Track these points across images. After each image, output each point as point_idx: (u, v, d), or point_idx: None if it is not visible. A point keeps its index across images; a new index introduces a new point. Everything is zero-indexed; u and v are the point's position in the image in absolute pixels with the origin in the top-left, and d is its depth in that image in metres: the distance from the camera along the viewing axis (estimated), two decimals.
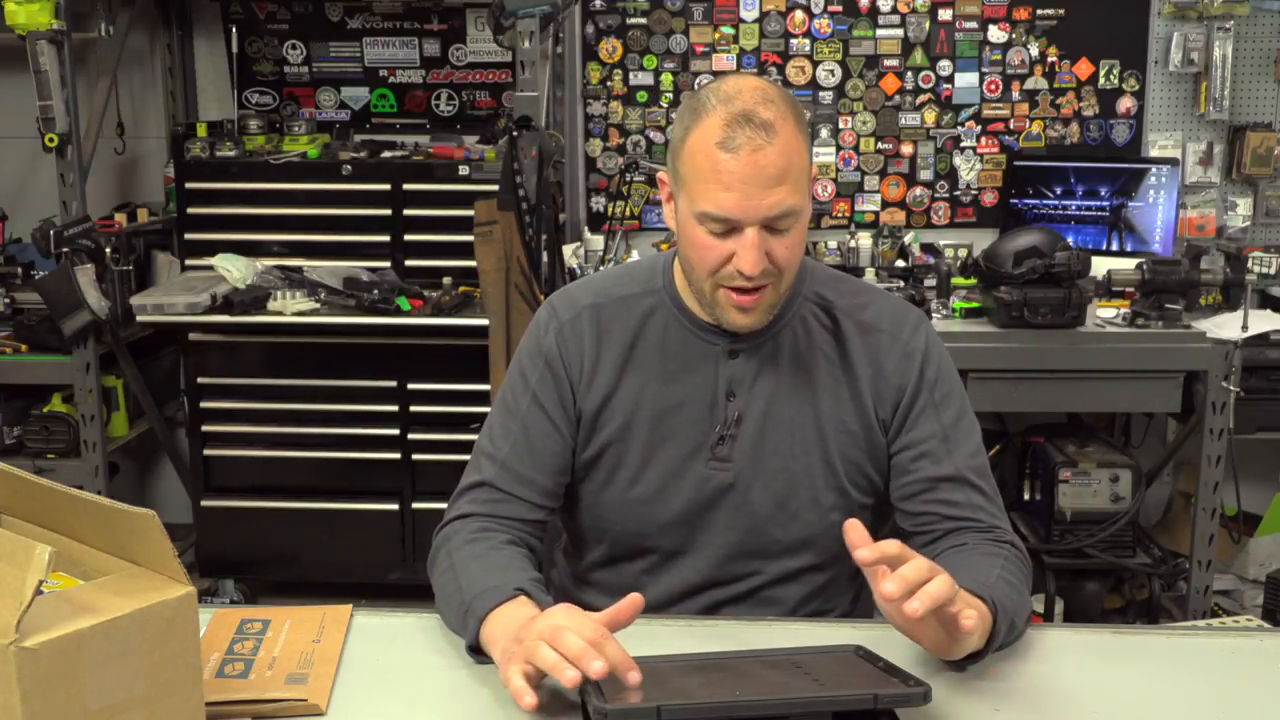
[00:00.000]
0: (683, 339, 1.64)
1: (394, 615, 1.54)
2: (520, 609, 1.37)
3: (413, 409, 3.54)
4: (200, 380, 3.59)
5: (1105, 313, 3.24)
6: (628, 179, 3.83)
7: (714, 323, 1.62)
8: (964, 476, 1.59)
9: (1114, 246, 3.68)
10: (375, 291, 3.41)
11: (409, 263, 3.62)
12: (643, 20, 3.85)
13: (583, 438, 1.65)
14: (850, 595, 1.71)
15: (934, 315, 3.25)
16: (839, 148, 3.90)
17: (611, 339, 1.65)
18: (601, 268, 3.61)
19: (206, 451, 3.62)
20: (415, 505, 3.56)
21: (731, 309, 1.55)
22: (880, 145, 3.89)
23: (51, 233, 3.27)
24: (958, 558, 1.50)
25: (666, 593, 1.66)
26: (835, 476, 1.62)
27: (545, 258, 3.04)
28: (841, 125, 3.88)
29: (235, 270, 3.47)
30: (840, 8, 3.81)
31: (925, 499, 1.60)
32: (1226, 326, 3.18)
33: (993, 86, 3.84)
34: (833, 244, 3.82)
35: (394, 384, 3.53)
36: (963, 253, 3.70)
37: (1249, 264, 3.51)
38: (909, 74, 3.85)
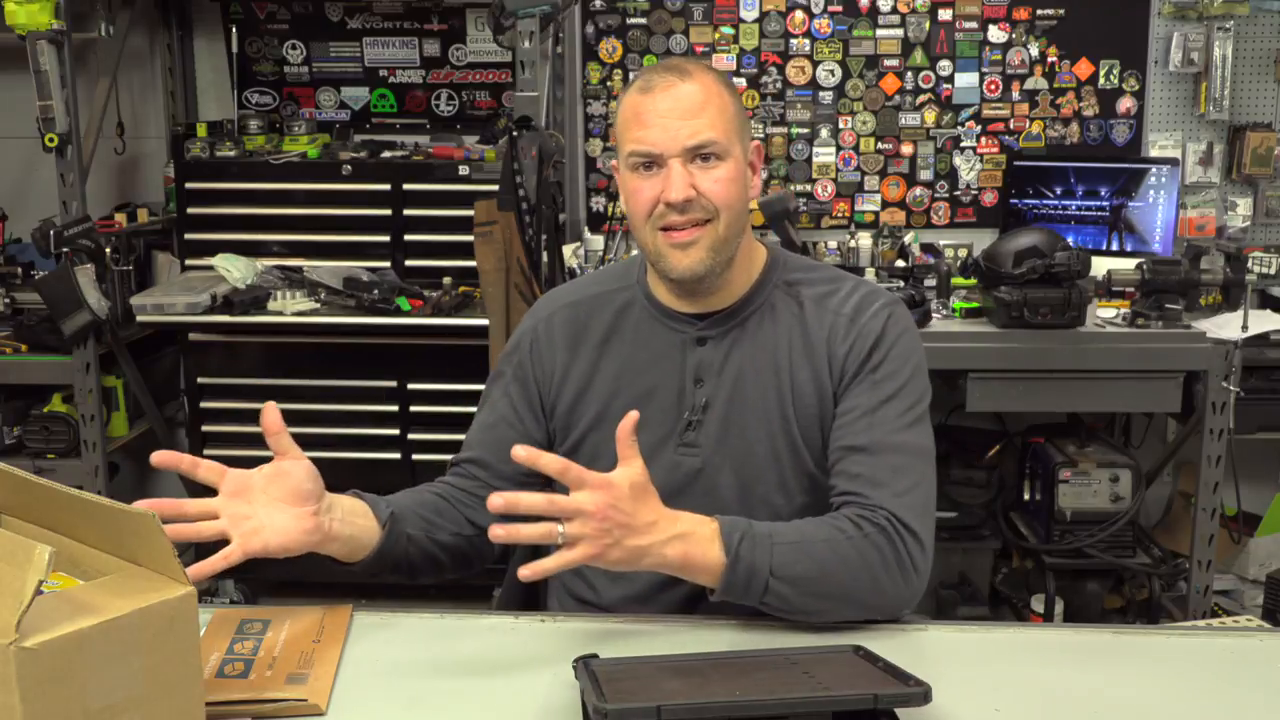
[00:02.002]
0: (653, 329, 1.69)
1: (394, 615, 1.55)
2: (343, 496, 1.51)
3: (413, 409, 3.54)
4: (200, 380, 3.59)
5: (1105, 313, 3.24)
6: None
7: (681, 310, 1.67)
8: (872, 447, 1.56)
9: (1114, 246, 3.68)
10: (375, 291, 3.41)
11: (409, 263, 3.62)
12: (643, 20, 3.85)
13: (561, 432, 1.72)
14: None
15: (934, 315, 3.25)
16: (839, 148, 3.90)
17: (588, 334, 1.71)
18: (600, 267, 3.61)
19: (206, 451, 3.61)
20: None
21: (671, 251, 1.60)
22: (880, 145, 3.89)
23: (51, 233, 3.27)
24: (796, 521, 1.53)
25: (650, 582, 1.67)
26: (801, 461, 1.64)
27: (545, 258, 3.04)
28: (841, 125, 3.88)
29: (235, 270, 3.47)
30: (840, 8, 3.81)
31: (835, 470, 1.59)
32: (1226, 326, 3.18)
33: (993, 86, 3.84)
34: (833, 244, 3.82)
35: (394, 384, 3.53)
36: (963, 253, 3.70)
37: (1249, 264, 3.51)
38: (909, 74, 3.84)
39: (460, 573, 1.70)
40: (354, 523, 1.51)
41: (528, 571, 1.34)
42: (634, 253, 3.76)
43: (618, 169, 1.67)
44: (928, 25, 3.82)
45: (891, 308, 1.67)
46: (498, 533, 1.35)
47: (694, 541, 1.42)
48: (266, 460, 1.47)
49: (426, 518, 1.64)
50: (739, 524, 1.45)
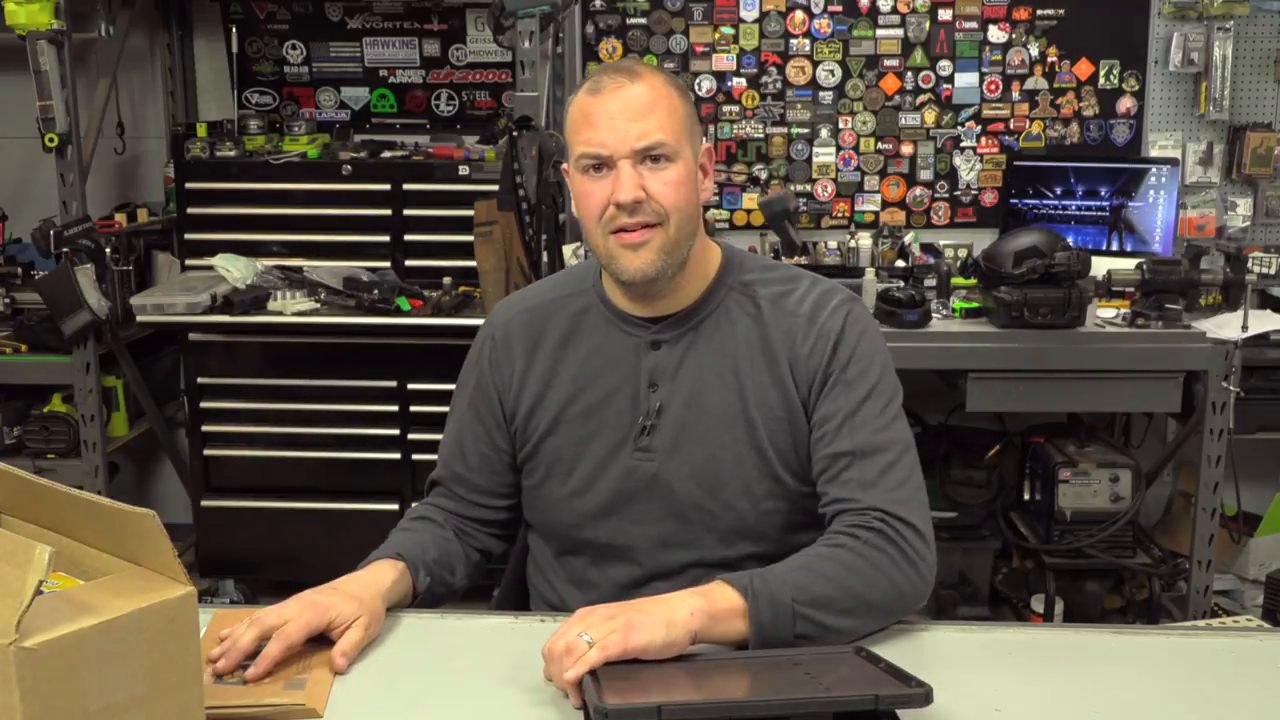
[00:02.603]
0: (609, 334, 1.68)
1: (394, 615, 1.54)
2: (383, 569, 1.57)
3: (413, 409, 3.53)
4: (200, 380, 3.58)
5: (1105, 313, 3.24)
6: None
7: (636, 314, 1.67)
8: (855, 452, 1.56)
9: (1114, 246, 3.68)
10: (375, 291, 3.41)
11: (409, 263, 3.62)
12: (643, 20, 3.85)
13: (520, 438, 1.72)
14: None
15: (934, 315, 3.25)
16: (839, 148, 3.90)
17: (544, 340, 1.71)
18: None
19: (206, 451, 3.61)
20: (415, 505, 3.56)
21: (622, 253, 1.59)
22: (880, 145, 3.89)
23: (51, 233, 3.27)
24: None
25: (615, 583, 1.68)
26: (767, 464, 1.63)
27: (545, 258, 3.04)
28: (841, 125, 3.88)
29: (235, 270, 3.47)
30: (840, 8, 3.81)
31: (823, 480, 1.59)
32: (1226, 326, 3.18)
33: (993, 86, 3.84)
34: (833, 244, 3.82)
35: (394, 384, 3.53)
36: (963, 253, 3.69)
37: (1249, 264, 3.51)
38: (909, 74, 3.84)
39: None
40: (391, 604, 1.57)
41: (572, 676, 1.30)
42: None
43: (569, 172, 1.65)
44: (928, 25, 3.82)
45: (849, 305, 1.67)
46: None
47: (707, 594, 1.40)
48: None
49: (447, 566, 1.68)
50: (742, 573, 1.44)
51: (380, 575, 1.56)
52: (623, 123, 1.56)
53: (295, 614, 1.41)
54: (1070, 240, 3.25)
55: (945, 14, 3.81)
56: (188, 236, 3.68)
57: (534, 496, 1.73)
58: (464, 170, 3.58)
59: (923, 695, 1.20)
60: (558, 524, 1.71)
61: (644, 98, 1.57)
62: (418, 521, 1.74)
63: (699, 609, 1.37)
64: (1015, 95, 3.85)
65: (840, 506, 1.55)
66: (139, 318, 3.44)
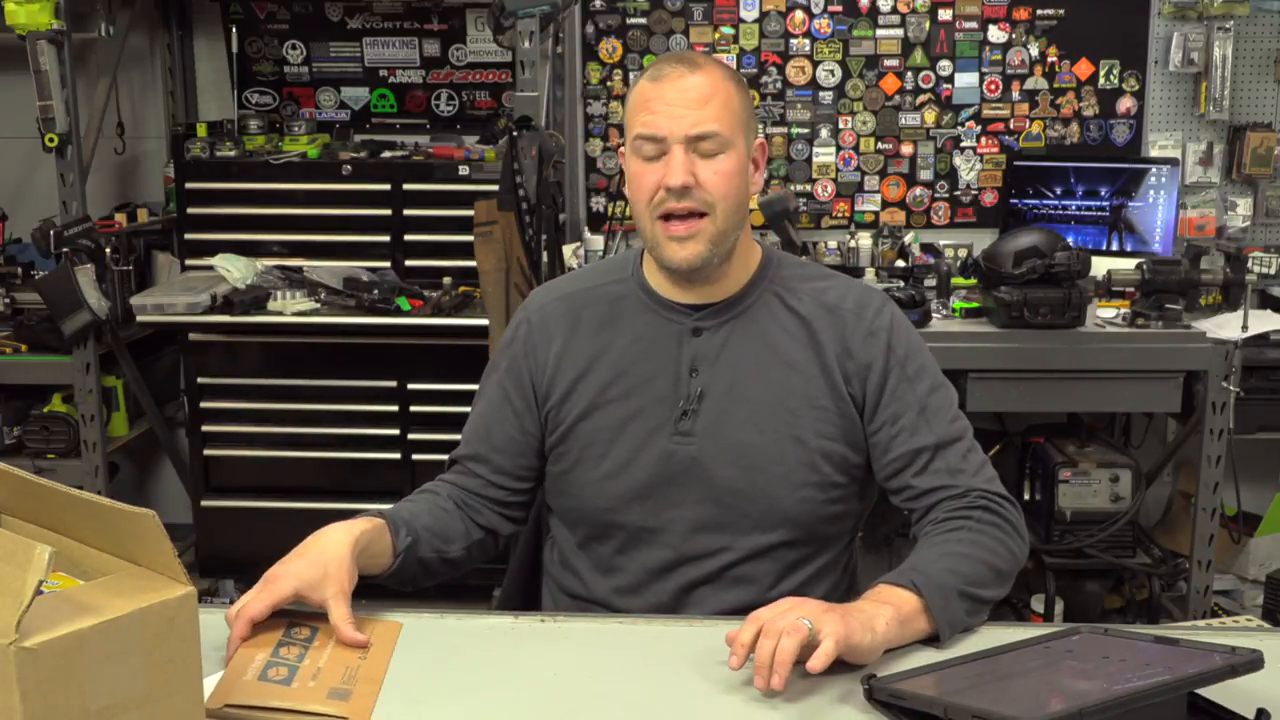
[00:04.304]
0: (650, 320, 1.70)
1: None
2: (356, 523, 1.56)
3: (413, 409, 3.54)
4: (200, 380, 3.58)
5: (1105, 313, 3.24)
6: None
7: (679, 301, 1.69)
8: (938, 444, 1.64)
9: (1114, 246, 3.68)
10: (375, 291, 3.41)
11: (409, 263, 3.62)
12: (643, 20, 3.85)
13: (552, 422, 1.73)
14: (830, 581, 1.72)
15: (934, 315, 3.25)
16: (839, 148, 3.90)
17: (582, 326, 1.73)
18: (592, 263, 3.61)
19: (206, 451, 3.61)
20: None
21: (669, 242, 1.62)
22: (880, 145, 3.89)
23: (51, 233, 3.27)
24: (918, 547, 1.57)
25: (645, 568, 1.69)
26: (806, 453, 1.65)
27: (545, 258, 3.04)
28: (841, 125, 3.88)
29: (235, 270, 3.47)
30: (840, 8, 3.81)
31: (906, 475, 1.65)
32: (1226, 326, 3.18)
33: (993, 86, 3.84)
34: (833, 244, 3.82)
35: (394, 384, 3.53)
36: (963, 253, 3.70)
37: (1249, 264, 3.51)
38: (909, 74, 3.84)
39: (461, 572, 1.74)
40: (365, 565, 1.56)
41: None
42: (626, 248, 3.78)
43: (624, 156, 1.68)
44: (928, 25, 3.82)
45: (888, 302, 1.73)
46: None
47: (888, 600, 1.42)
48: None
49: (440, 534, 1.68)
50: (893, 574, 1.48)
51: (350, 529, 1.55)
52: (679, 109, 1.59)
53: (256, 595, 1.43)
54: (1070, 240, 3.25)
55: (945, 14, 3.81)
56: (188, 236, 3.68)
57: (563, 481, 1.73)
58: (464, 170, 3.58)
59: (1259, 658, 1.20)
60: (588, 508, 1.72)
61: (703, 88, 1.59)
62: (419, 494, 1.76)
63: (890, 618, 1.39)
64: (1015, 95, 3.85)
65: (939, 495, 1.62)
66: (139, 318, 3.44)
